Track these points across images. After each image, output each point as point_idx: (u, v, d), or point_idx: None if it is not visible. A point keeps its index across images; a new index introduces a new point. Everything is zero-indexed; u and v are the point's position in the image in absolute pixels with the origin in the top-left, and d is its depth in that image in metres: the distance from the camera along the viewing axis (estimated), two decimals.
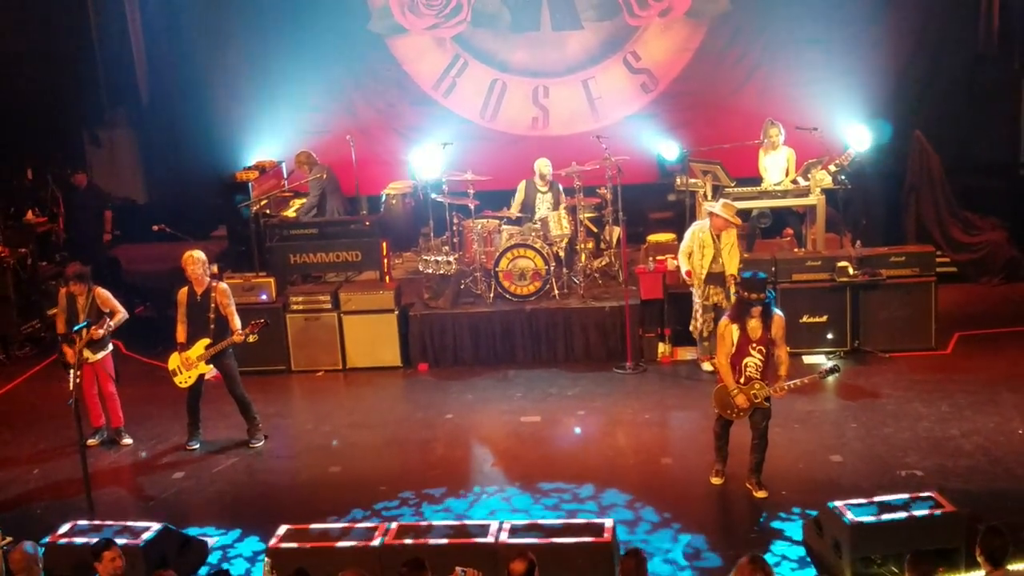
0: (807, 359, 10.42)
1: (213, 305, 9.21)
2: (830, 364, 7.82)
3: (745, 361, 7.80)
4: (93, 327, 9.20)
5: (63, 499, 8.58)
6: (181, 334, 9.33)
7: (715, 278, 10.17)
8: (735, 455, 8.18)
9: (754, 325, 7.78)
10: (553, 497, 8.25)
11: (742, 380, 7.81)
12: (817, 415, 9.35)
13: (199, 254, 9.30)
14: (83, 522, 7.48)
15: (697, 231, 10.17)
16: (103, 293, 9.48)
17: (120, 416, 9.64)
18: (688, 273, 10.24)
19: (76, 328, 9.03)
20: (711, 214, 10.10)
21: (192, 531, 7.83)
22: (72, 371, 8.57)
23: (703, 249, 10.09)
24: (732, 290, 9.83)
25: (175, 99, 14.44)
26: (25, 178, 14.09)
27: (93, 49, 14.30)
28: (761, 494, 7.94)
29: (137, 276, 12.74)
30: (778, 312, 7.95)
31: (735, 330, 7.80)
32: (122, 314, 9.50)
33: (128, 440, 9.65)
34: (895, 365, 10.37)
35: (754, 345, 7.78)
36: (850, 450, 8.69)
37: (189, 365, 9.23)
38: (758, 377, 7.80)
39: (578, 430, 9.50)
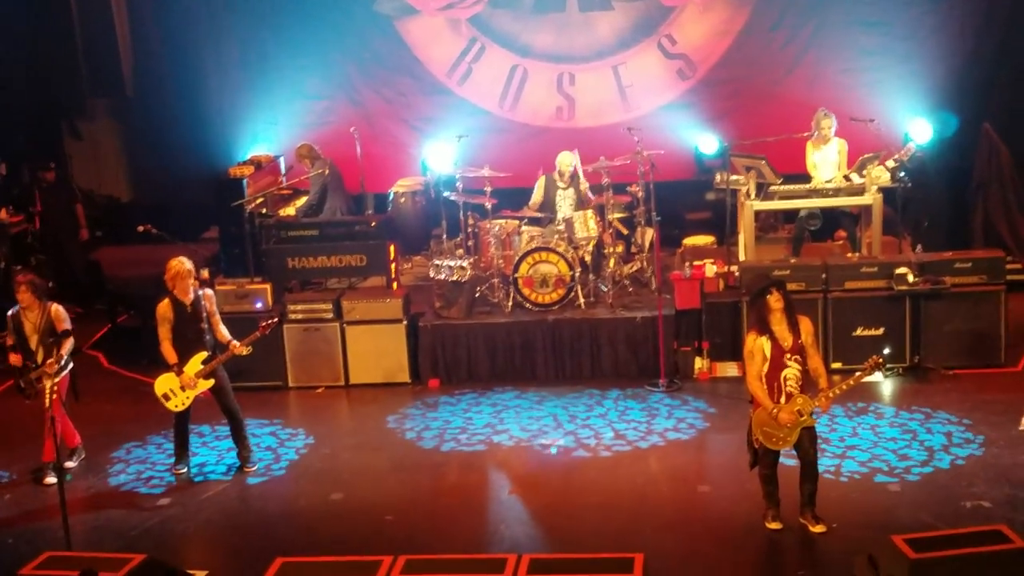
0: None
1: (205, 314, 9.21)
2: (877, 359, 7.70)
3: (784, 374, 7.72)
4: (48, 362, 9.05)
5: (37, 528, 8.59)
6: (172, 354, 9.12)
7: None
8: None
9: (782, 331, 7.73)
10: (578, 528, 8.22)
11: (783, 399, 7.75)
12: (872, 438, 9.29)
13: (189, 264, 9.14)
14: (59, 553, 7.48)
15: None
16: (60, 312, 9.28)
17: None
18: None
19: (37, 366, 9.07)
20: None
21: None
22: (48, 387, 8.52)
23: None
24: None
25: (163, 88, 14.56)
26: None
27: (74, 33, 14.43)
28: (819, 528, 7.84)
29: (120, 281, 12.81)
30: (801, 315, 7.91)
31: (765, 343, 7.73)
32: (71, 342, 9.25)
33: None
34: (960, 383, 10.31)
35: (788, 355, 7.73)
36: (909, 478, 8.63)
37: (188, 385, 9.13)
38: (799, 391, 7.76)
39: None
